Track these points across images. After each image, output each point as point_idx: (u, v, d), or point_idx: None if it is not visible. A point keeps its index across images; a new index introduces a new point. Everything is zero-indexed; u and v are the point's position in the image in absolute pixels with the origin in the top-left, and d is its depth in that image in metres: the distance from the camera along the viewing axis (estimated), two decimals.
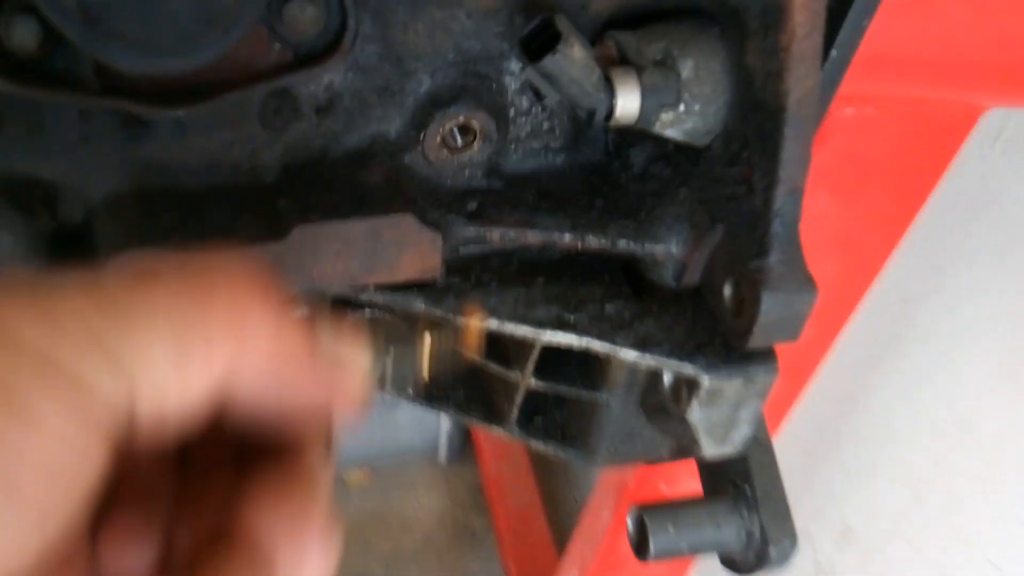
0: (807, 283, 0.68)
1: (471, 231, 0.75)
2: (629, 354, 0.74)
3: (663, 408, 0.82)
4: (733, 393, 0.75)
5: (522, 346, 0.83)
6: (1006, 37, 1.10)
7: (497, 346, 0.86)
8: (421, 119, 0.73)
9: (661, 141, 0.77)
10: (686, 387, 0.76)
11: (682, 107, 0.69)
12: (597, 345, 0.75)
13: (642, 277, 0.80)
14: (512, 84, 0.74)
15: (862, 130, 1.14)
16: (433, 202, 0.75)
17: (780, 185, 0.66)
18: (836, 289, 1.36)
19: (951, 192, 1.18)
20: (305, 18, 0.61)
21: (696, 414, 0.76)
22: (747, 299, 0.70)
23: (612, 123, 0.71)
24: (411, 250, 0.72)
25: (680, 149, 0.76)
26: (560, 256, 0.81)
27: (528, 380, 0.81)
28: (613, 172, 0.80)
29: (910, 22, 1.04)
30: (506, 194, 0.77)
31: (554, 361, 0.87)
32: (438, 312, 0.76)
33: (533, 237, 0.75)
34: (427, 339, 0.73)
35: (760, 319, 0.68)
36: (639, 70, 0.69)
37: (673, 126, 0.71)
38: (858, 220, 1.25)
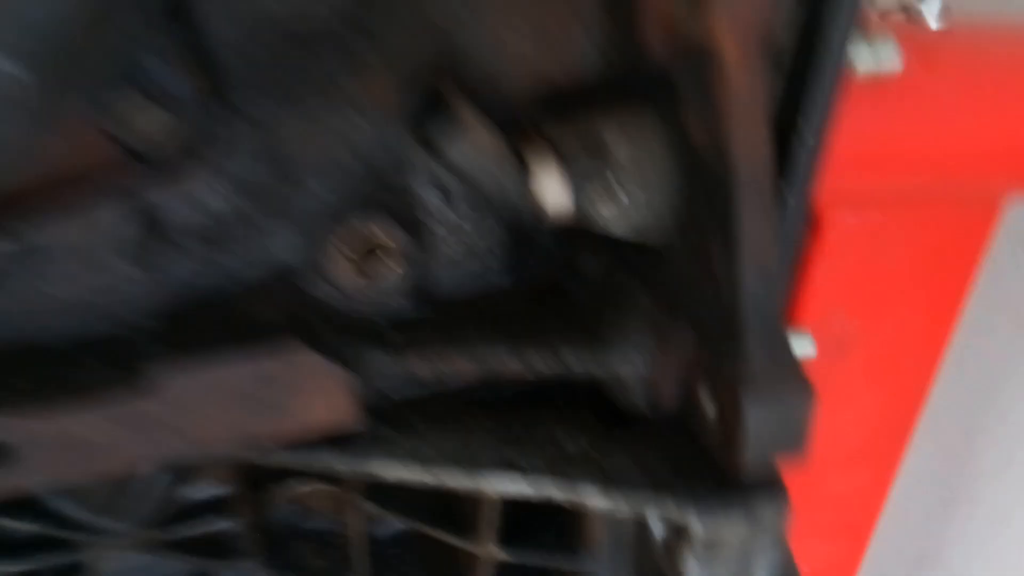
0: (796, 380, 0.54)
1: (393, 366, 0.62)
2: (596, 499, 0.59)
3: (658, 569, 0.65)
4: (736, 538, 0.59)
5: (476, 505, 0.69)
6: (1015, 120, 1.00)
7: (456, 508, 0.72)
8: (325, 242, 0.63)
9: (615, 245, 0.66)
10: (679, 539, 0.60)
11: (624, 199, 0.58)
12: (556, 491, 0.60)
13: (617, 409, 0.66)
14: (432, 198, 0.64)
15: (871, 238, 1.02)
16: (346, 336, 0.63)
17: (745, 266, 0.53)
18: (884, 423, 1.19)
19: (992, 292, 1.04)
20: (147, 120, 0.52)
21: (694, 570, 0.60)
22: (729, 411, 0.55)
23: (548, 223, 0.60)
24: (314, 393, 0.60)
25: (638, 251, 0.64)
26: (513, 392, 0.68)
27: (488, 549, 0.66)
28: (567, 288, 0.68)
29: (898, 113, 0.95)
30: (439, 322, 0.65)
31: (527, 525, 0.72)
32: (356, 471, 0.62)
33: (470, 367, 0.63)
34: None
35: (747, 431, 0.54)
36: (565, 159, 0.58)
37: (620, 221, 0.59)
38: (892, 340, 1.11)
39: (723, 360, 0.55)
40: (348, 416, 0.61)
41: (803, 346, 1.01)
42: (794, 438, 0.55)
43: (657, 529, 0.63)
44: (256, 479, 0.76)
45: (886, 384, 1.16)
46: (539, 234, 0.68)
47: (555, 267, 0.69)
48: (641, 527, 0.66)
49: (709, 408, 0.58)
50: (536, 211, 0.59)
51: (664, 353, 0.61)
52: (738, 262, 0.53)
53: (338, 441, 0.62)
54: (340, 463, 0.62)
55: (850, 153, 0.91)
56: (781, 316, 0.55)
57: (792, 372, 0.55)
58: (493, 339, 0.63)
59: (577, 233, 0.69)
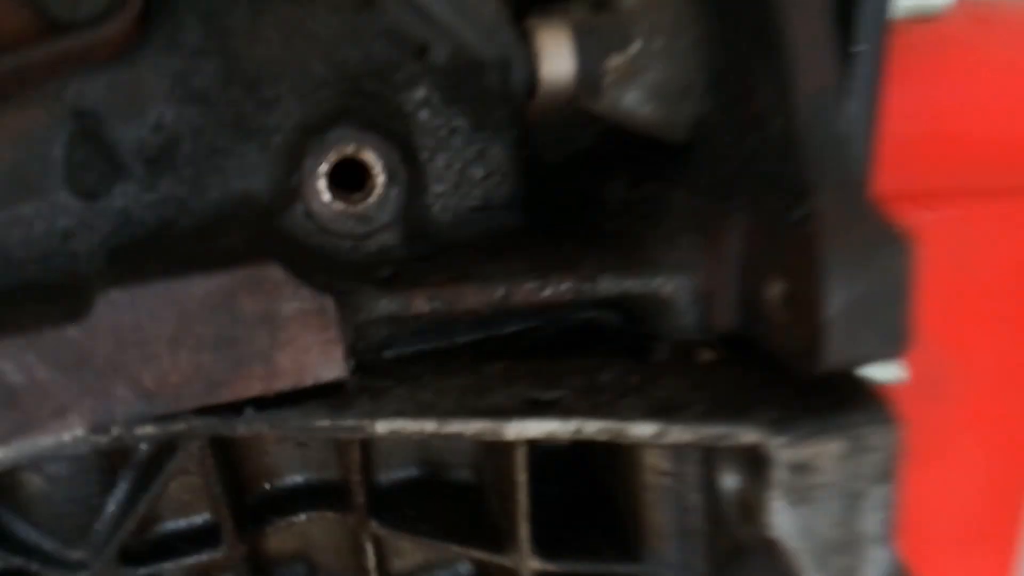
0: (881, 226, 0.42)
1: (388, 304, 0.51)
2: (644, 428, 0.46)
3: (737, 547, 0.51)
4: (834, 467, 0.45)
5: (507, 510, 0.55)
6: None
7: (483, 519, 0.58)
8: (296, 162, 0.53)
9: (637, 159, 0.56)
10: (759, 480, 0.46)
11: (637, 45, 0.48)
12: (593, 427, 0.47)
13: (650, 349, 0.54)
14: (418, 107, 0.55)
15: (956, 240, 0.88)
16: (329, 273, 0.52)
17: (800, 86, 0.43)
18: (998, 488, 0.99)
19: None
20: None
21: (783, 519, 0.45)
22: (803, 283, 0.43)
23: (545, 97, 0.50)
24: (293, 329, 0.49)
25: (666, 156, 0.54)
26: (529, 340, 0.56)
27: (528, 562, 0.53)
28: (589, 220, 0.57)
29: (961, 78, 0.85)
30: (439, 258, 0.55)
31: (572, 526, 0.58)
32: (346, 428, 0.49)
33: (475, 297, 0.51)
34: None
35: (831, 293, 0.41)
36: (569, 17, 0.50)
37: (631, 82, 0.49)
38: (1000, 376, 0.92)
39: (787, 216, 0.44)
40: (336, 360, 0.50)
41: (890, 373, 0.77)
42: (893, 306, 0.43)
43: (729, 483, 0.49)
44: (247, 506, 0.62)
45: (998, 435, 0.97)
46: (548, 153, 0.58)
47: (571, 198, 0.59)
48: (711, 498, 0.52)
49: (778, 301, 0.46)
50: (532, 80, 0.49)
51: (716, 254, 0.49)
52: (790, 84, 0.43)
53: (327, 396, 0.50)
54: (330, 421, 0.49)
55: (914, 133, 0.81)
56: (858, 154, 0.45)
57: (874, 216, 0.43)
58: (508, 267, 0.52)
59: (592, 154, 0.59)
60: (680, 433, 0.46)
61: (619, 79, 0.49)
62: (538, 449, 0.53)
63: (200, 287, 0.47)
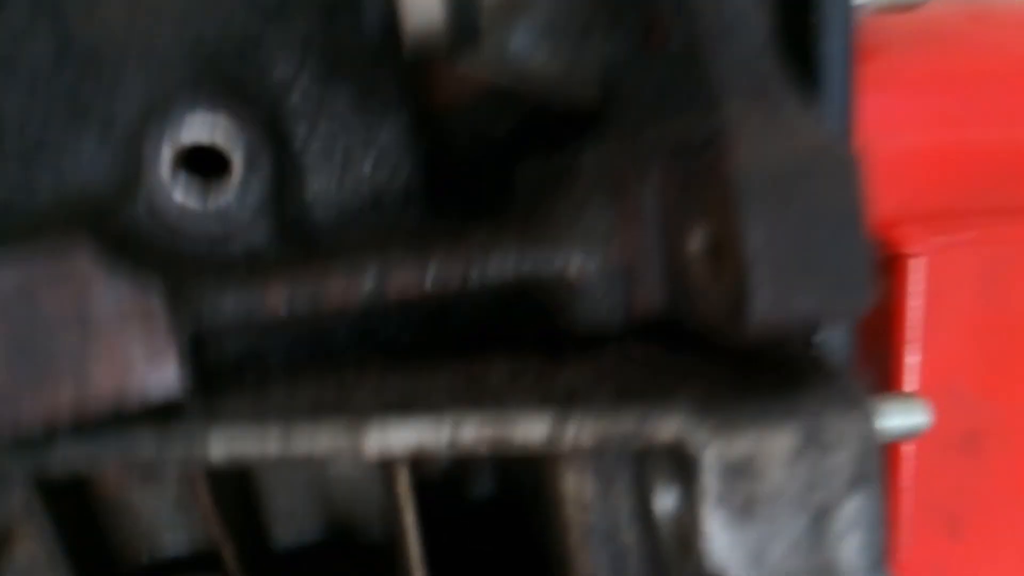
0: (816, 136, 0.33)
1: (231, 300, 0.42)
2: (535, 427, 0.35)
3: None
4: (785, 469, 0.34)
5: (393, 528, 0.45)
6: None
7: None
8: (141, 150, 0.45)
9: (555, 135, 0.47)
10: (687, 492, 0.35)
11: None
12: (471, 431, 0.36)
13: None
14: (291, 93, 0.47)
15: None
16: (174, 269, 0.44)
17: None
18: None
19: None
20: None
21: (721, 543, 0.34)
22: (719, 220, 0.33)
23: (420, 51, 0.42)
24: (110, 335, 0.40)
25: (581, 126, 0.45)
26: (420, 350, 0.46)
27: None
28: (496, 204, 0.48)
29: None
30: (308, 252, 0.46)
31: None
32: (176, 451, 0.39)
33: (341, 288, 0.42)
34: None
35: (749, 226, 0.31)
36: None
37: (515, 21, 0.41)
38: None
39: (696, 144, 0.35)
40: (172, 377, 0.40)
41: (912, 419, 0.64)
42: (835, 249, 0.32)
43: (665, 504, 0.38)
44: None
45: None
46: (441, 135, 0.50)
47: (482, 188, 0.50)
48: (648, 532, 0.40)
49: (700, 256, 0.36)
50: (401, 32, 0.41)
51: (630, 217, 0.40)
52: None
53: (152, 413, 0.40)
54: (156, 442, 0.39)
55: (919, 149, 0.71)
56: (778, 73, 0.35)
57: (803, 128, 0.33)
58: (382, 253, 0.43)
59: (510, 141, 0.51)
60: (579, 429, 0.35)
61: (499, 17, 0.41)
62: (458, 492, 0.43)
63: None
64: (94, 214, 0.45)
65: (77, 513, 0.49)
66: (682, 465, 0.35)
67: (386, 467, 0.43)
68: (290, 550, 0.52)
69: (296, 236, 0.47)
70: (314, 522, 0.52)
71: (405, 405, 0.38)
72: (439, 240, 0.43)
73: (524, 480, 0.49)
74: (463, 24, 0.42)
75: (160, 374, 0.40)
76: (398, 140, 0.49)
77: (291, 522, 0.52)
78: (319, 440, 0.37)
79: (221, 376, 0.43)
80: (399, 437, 0.36)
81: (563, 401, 0.36)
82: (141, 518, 0.52)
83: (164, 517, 0.52)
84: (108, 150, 0.46)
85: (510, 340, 0.46)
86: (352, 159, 0.48)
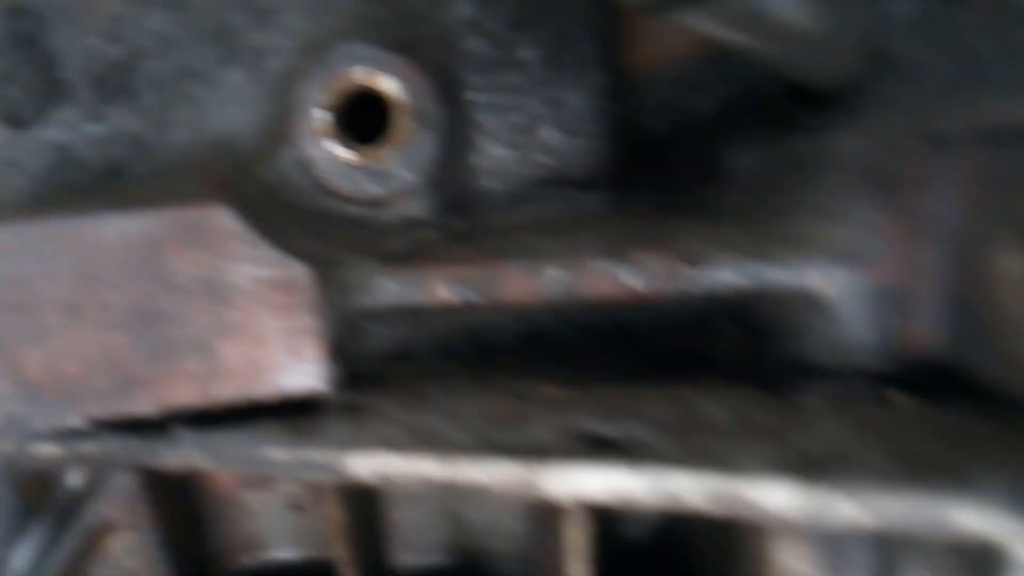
0: None
1: (392, 286, 0.35)
2: (777, 494, 0.27)
3: None
4: None
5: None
6: None
7: None
8: (291, 91, 0.38)
9: (775, 117, 0.38)
10: None
11: None
12: (687, 484, 0.28)
13: (785, 383, 0.35)
14: (472, 37, 0.40)
15: None
16: (320, 236, 0.37)
17: None
18: None
19: None
20: None
21: None
22: None
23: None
24: (248, 307, 0.33)
25: (815, 109, 0.36)
26: (597, 360, 0.38)
27: None
28: (701, 194, 0.40)
29: None
30: (474, 239, 0.38)
31: None
32: (310, 466, 0.32)
33: (520, 282, 0.34)
34: None
35: None
36: None
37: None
38: None
39: None
40: (315, 366, 0.33)
41: None
42: None
43: None
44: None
45: None
46: (653, 120, 0.41)
47: (681, 174, 0.41)
48: None
49: (1019, 281, 0.27)
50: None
51: (909, 226, 0.31)
52: None
53: (280, 411, 0.34)
54: (287, 451, 0.32)
55: None
56: None
57: None
58: (572, 245, 0.35)
59: (713, 123, 0.42)
60: (844, 506, 0.26)
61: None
62: (610, 529, 0.35)
63: (113, 229, 0.32)
64: (235, 160, 0.38)
65: (183, 507, 0.43)
66: (972, 560, 0.26)
67: (549, 508, 0.36)
68: (409, 571, 0.45)
69: (460, 208, 0.40)
70: (441, 546, 0.45)
71: (601, 442, 0.30)
72: (642, 235, 0.34)
73: (696, 529, 0.41)
74: None
75: (301, 361, 0.33)
76: (590, 104, 0.40)
77: (416, 543, 0.45)
78: (489, 473, 0.30)
79: (367, 372, 0.36)
80: (594, 483, 0.29)
81: (817, 467, 0.27)
82: (248, 519, 0.45)
83: (273, 520, 0.46)
84: (256, 88, 0.39)
85: (708, 361, 0.38)
86: (534, 122, 0.40)
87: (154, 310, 0.33)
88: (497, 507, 0.44)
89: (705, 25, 0.36)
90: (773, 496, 0.27)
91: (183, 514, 0.43)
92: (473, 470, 0.30)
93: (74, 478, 0.43)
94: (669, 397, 0.32)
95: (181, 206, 0.32)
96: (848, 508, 0.26)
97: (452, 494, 0.46)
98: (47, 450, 0.34)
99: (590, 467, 0.28)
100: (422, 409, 0.33)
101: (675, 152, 0.43)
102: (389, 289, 0.34)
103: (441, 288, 0.34)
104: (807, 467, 0.27)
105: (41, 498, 0.42)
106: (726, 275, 0.32)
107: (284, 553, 0.46)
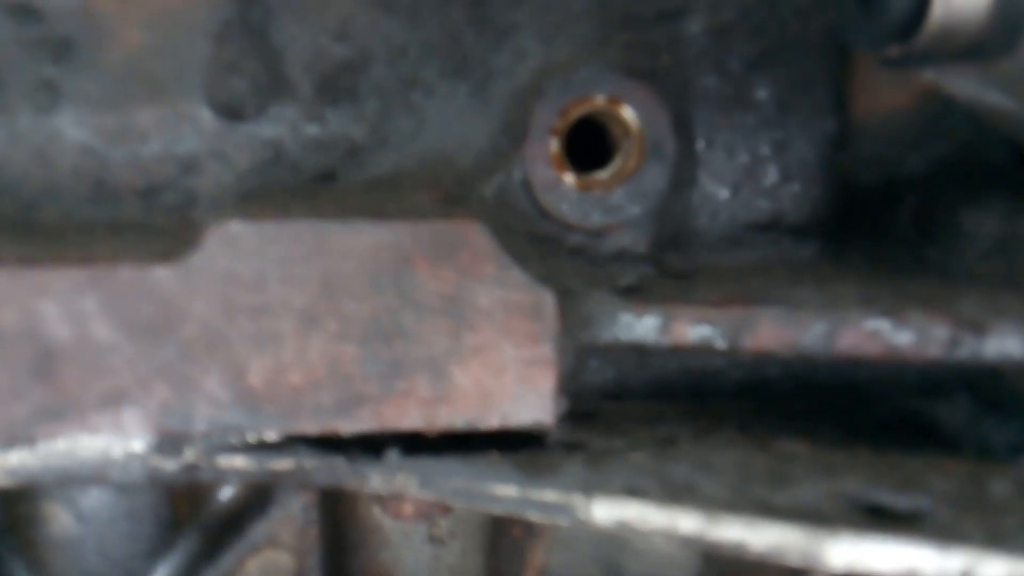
0: None
1: (631, 320, 0.33)
2: None
3: None
4: None
5: None
6: None
7: None
8: (523, 115, 0.37)
9: (1014, 181, 0.37)
10: None
11: None
12: (997, 571, 0.26)
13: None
14: (706, 72, 0.38)
15: None
16: (550, 260, 0.35)
17: None
18: None
19: None
20: None
21: None
22: None
23: (931, 39, 0.32)
24: (488, 331, 0.31)
25: None
26: (814, 417, 0.36)
27: None
28: (933, 253, 0.38)
29: None
30: (695, 280, 0.36)
31: None
32: (544, 507, 0.30)
33: (776, 329, 0.32)
34: None
35: None
36: None
37: None
38: None
39: None
40: (548, 399, 0.31)
41: None
42: None
43: None
44: None
45: None
46: (864, 171, 0.40)
47: (899, 230, 0.40)
48: None
49: None
50: (930, 12, 0.31)
51: None
52: None
53: (509, 445, 0.32)
54: (520, 489, 0.30)
55: None
56: None
57: None
58: (830, 295, 0.33)
59: (929, 179, 0.41)
60: None
61: None
62: None
63: (363, 238, 0.30)
64: (455, 177, 0.37)
65: (336, 531, 0.41)
66: None
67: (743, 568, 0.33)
68: None
69: (675, 245, 0.38)
70: None
71: (885, 512, 0.28)
72: (909, 295, 0.33)
73: None
74: (1010, 16, 0.32)
75: (533, 393, 0.31)
76: (817, 152, 0.39)
77: None
78: (759, 535, 0.28)
79: (583, 408, 0.34)
80: (884, 558, 0.27)
81: None
82: (387, 548, 0.43)
83: (410, 553, 0.43)
84: (482, 105, 0.37)
85: (932, 429, 0.36)
86: (758, 164, 0.39)
87: (393, 326, 0.31)
88: (661, 559, 0.42)
89: (964, 84, 0.35)
90: None
91: (336, 538, 0.41)
92: (740, 531, 0.28)
93: (226, 493, 0.41)
94: (939, 468, 0.30)
95: (435, 220, 0.30)
96: None
97: (609, 541, 0.44)
98: (237, 463, 0.32)
99: (887, 542, 0.26)
100: (668, 457, 0.31)
101: (885, 207, 0.41)
102: (630, 325, 0.33)
103: (688, 329, 0.32)
104: None
105: (191, 511, 0.40)
106: (1012, 344, 0.30)
107: None
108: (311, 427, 0.31)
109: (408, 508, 0.42)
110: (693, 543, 0.29)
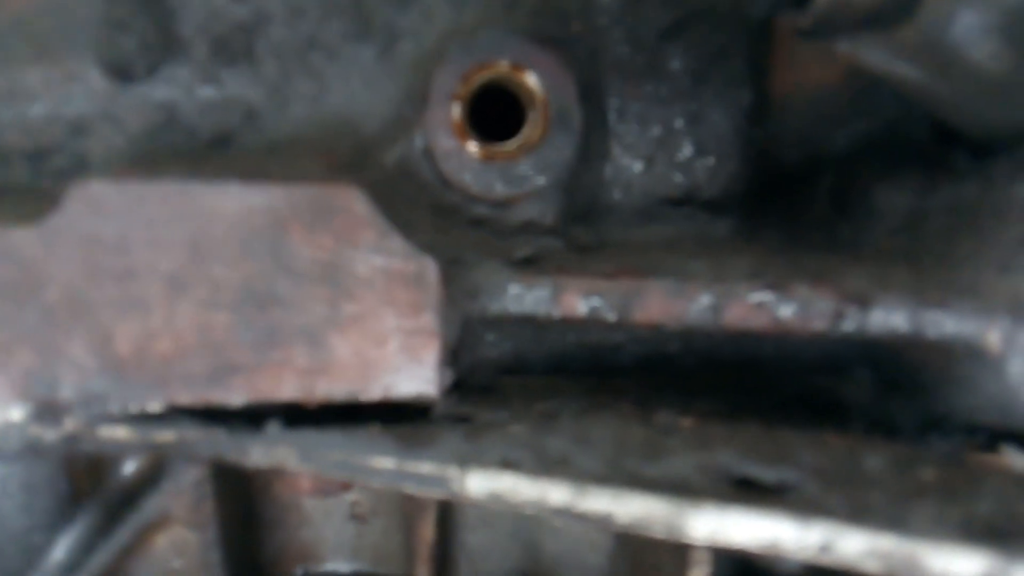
0: None
1: (520, 291, 0.32)
2: (964, 564, 0.24)
3: None
4: None
5: None
6: None
7: None
8: (425, 83, 0.36)
9: (929, 157, 0.36)
10: None
11: None
12: (859, 544, 0.25)
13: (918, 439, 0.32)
14: (618, 41, 0.37)
15: None
16: (442, 230, 0.34)
17: None
18: None
19: None
20: None
21: None
22: None
23: (825, 11, 0.31)
24: (368, 299, 0.30)
25: (981, 152, 0.34)
26: (719, 392, 0.35)
27: None
28: (845, 229, 0.37)
29: None
30: (600, 253, 0.35)
31: None
32: (420, 479, 0.29)
33: (663, 302, 0.31)
34: None
35: None
36: None
37: None
38: None
39: None
40: (431, 371, 0.30)
41: None
42: None
43: None
44: None
45: None
46: (786, 149, 0.39)
47: (816, 208, 0.39)
48: None
49: None
50: None
51: None
52: None
53: (399, 421, 0.31)
54: (397, 461, 0.29)
55: None
56: None
57: None
58: (720, 268, 0.32)
59: (850, 158, 0.40)
60: None
61: None
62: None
63: (234, 200, 0.29)
64: (356, 144, 0.36)
65: (244, 508, 0.40)
66: None
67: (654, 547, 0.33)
68: None
69: (584, 218, 0.37)
70: (510, 569, 0.42)
71: (753, 485, 0.27)
72: (800, 269, 0.32)
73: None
74: None
75: (416, 364, 0.30)
76: (733, 125, 0.38)
77: (485, 568, 0.42)
78: (625, 506, 0.27)
79: (477, 382, 0.34)
80: (746, 530, 0.26)
81: (1002, 534, 0.25)
82: (308, 527, 0.42)
83: (333, 530, 0.43)
84: (386, 70, 0.36)
85: (836, 407, 0.35)
86: (672, 137, 0.38)
87: (267, 293, 0.30)
88: (579, 538, 0.41)
89: (873, 55, 0.34)
90: (958, 566, 0.24)
91: (243, 515, 0.40)
92: (607, 503, 0.27)
93: (130, 467, 0.40)
94: (818, 443, 0.29)
95: (311, 184, 0.30)
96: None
97: (529, 521, 0.43)
98: (119, 434, 0.31)
99: (750, 514, 0.26)
100: (548, 430, 0.30)
101: (805, 184, 0.40)
102: (519, 297, 0.32)
103: (577, 302, 0.31)
104: (993, 536, 0.24)
105: (92, 485, 0.39)
106: (898, 319, 0.29)
107: (338, 566, 0.43)
108: (185, 397, 0.30)
109: (305, 484, 0.41)
110: (562, 514, 0.28)
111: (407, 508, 0.42)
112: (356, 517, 0.43)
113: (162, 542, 0.40)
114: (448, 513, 0.42)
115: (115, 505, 0.38)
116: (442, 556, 0.41)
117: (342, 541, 0.43)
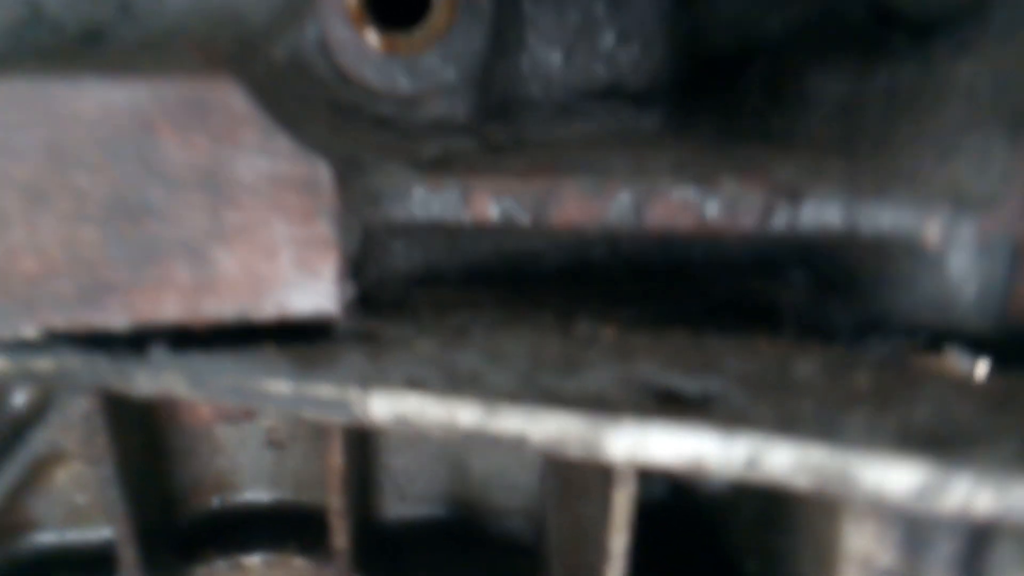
0: None
1: (426, 195, 0.29)
2: (901, 476, 0.22)
3: None
4: None
5: (581, 545, 0.33)
6: None
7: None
8: None
9: (868, 41, 0.33)
10: None
11: None
12: (787, 457, 0.23)
13: (856, 341, 0.30)
14: None
15: None
16: (343, 130, 0.31)
17: None
18: None
19: None
20: None
21: None
22: None
23: None
24: (254, 208, 0.27)
25: (921, 33, 0.31)
26: (650, 300, 0.33)
27: None
28: (779, 119, 0.35)
29: None
30: (517, 152, 0.33)
31: None
32: (318, 403, 0.27)
33: (579, 203, 0.29)
34: None
35: None
36: None
37: None
38: None
39: None
40: (330, 286, 0.28)
41: None
42: None
43: None
44: (175, 529, 0.40)
45: None
46: (717, 36, 0.36)
47: (750, 98, 0.36)
48: None
49: None
50: None
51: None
52: None
53: (298, 341, 0.28)
54: (292, 384, 0.27)
55: None
56: None
57: None
58: (640, 164, 0.30)
59: (786, 45, 0.37)
60: (968, 492, 0.22)
61: None
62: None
63: (93, 99, 0.26)
64: (241, 35, 0.32)
65: (147, 439, 0.37)
66: None
67: (581, 467, 0.31)
68: (400, 523, 0.40)
69: (501, 115, 0.34)
70: (439, 498, 0.40)
71: (674, 397, 0.25)
72: (727, 163, 0.29)
73: (725, 495, 0.37)
74: None
75: (312, 278, 0.28)
76: (660, 9, 0.35)
77: (411, 492, 0.40)
78: (541, 427, 0.25)
79: (386, 296, 0.31)
80: (667, 446, 0.24)
81: (939, 443, 0.23)
82: (222, 456, 0.40)
83: (249, 459, 0.40)
84: None
85: (769, 311, 0.33)
86: (592, 24, 0.35)
87: (138, 203, 0.27)
88: (507, 458, 0.40)
89: None
90: (892, 477, 0.23)
91: (147, 447, 0.37)
92: (520, 422, 0.25)
93: (19, 398, 0.37)
94: (748, 350, 0.27)
95: (180, 78, 0.26)
96: (974, 494, 0.22)
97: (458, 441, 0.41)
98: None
99: (670, 429, 0.24)
100: (459, 345, 0.27)
101: (738, 73, 0.38)
102: (426, 201, 0.29)
103: (488, 204, 0.29)
104: (931, 444, 0.23)
105: None
106: (831, 213, 0.27)
107: (258, 495, 0.41)
108: (58, 320, 0.27)
109: (206, 411, 0.39)
110: (473, 437, 0.26)
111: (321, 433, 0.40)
112: (273, 443, 0.40)
113: (62, 477, 0.38)
114: (369, 436, 0.40)
115: (5, 440, 0.35)
116: (363, 481, 0.39)
117: (260, 469, 0.41)
